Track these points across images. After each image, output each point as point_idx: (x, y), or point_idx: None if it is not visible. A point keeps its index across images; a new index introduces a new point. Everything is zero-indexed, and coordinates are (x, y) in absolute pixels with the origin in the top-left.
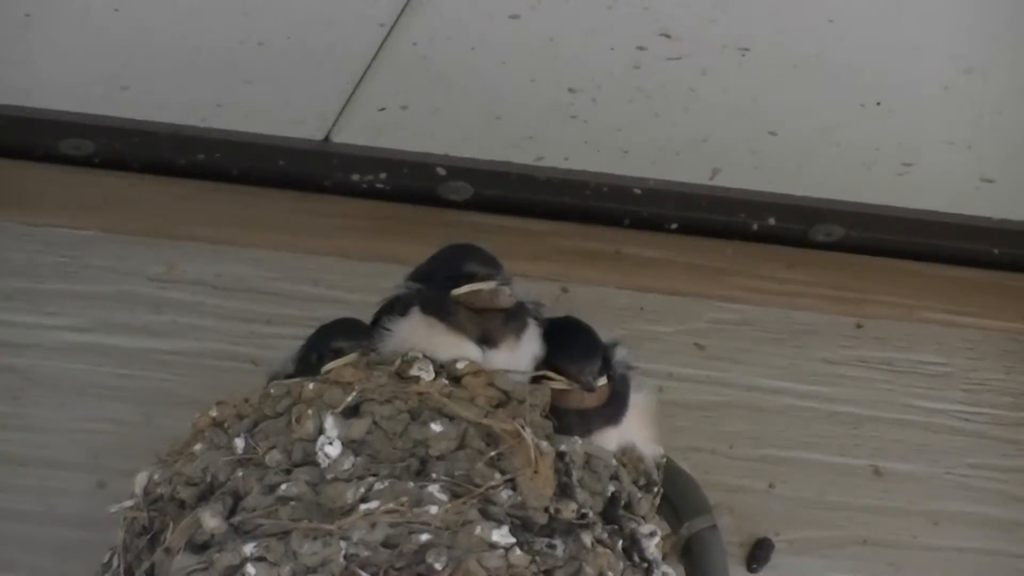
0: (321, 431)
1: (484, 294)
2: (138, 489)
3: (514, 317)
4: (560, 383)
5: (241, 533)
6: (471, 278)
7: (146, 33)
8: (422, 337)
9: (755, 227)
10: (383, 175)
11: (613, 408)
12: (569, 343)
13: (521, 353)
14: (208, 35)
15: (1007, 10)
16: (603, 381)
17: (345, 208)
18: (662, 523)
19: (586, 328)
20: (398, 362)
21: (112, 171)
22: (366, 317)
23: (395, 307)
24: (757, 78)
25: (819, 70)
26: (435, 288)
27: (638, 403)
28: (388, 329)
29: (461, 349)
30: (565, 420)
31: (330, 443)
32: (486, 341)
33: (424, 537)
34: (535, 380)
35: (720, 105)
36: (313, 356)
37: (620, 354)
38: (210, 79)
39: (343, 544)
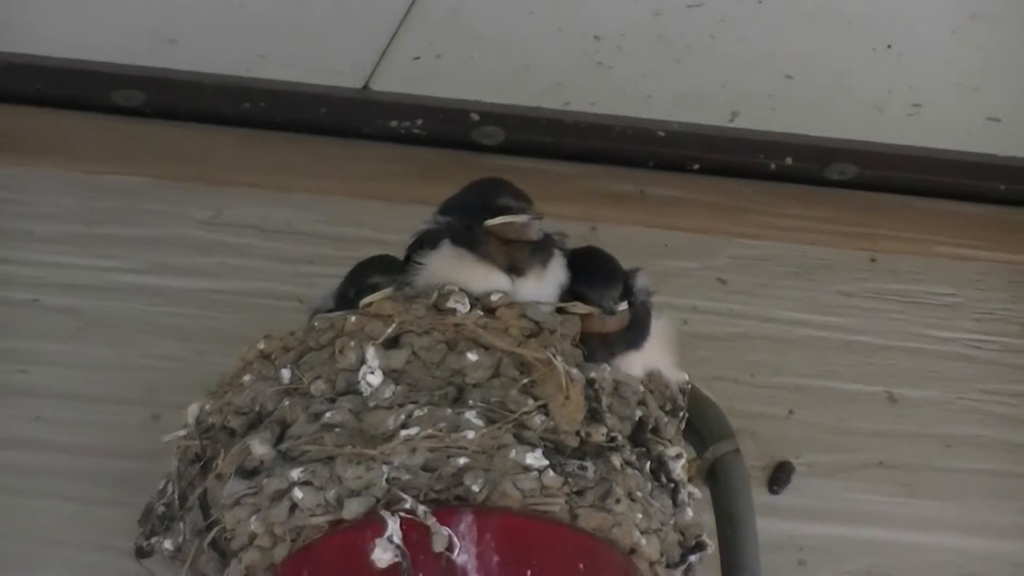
0: (363, 361)
1: (516, 226)
2: (191, 419)
3: (540, 248)
4: (583, 309)
5: (288, 459)
6: (504, 210)
7: None
8: (453, 268)
9: (772, 167)
10: (419, 121)
11: (634, 333)
12: (591, 271)
13: (547, 281)
14: None
15: None
16: (624, 307)
17: (383, 153)
18: (688, 447)
19: (607, 257)
20: (435, 295)
21: (161, 121)
22: (402, 257)
23: (425, 241)
24: (773, 25)
25: (832, 17)
26: (465, 220)
27: (659, 329)
28: (420, 263)
29: (490, 278)
30: (588, 345)
31: (371, 373)
32: (514, 270)
33: (462, 461)
34: (560, 309)
35: (738, 51)
36: (351, 292)
37: (641, 281)
38: (253, 32)
39: (385, 468)
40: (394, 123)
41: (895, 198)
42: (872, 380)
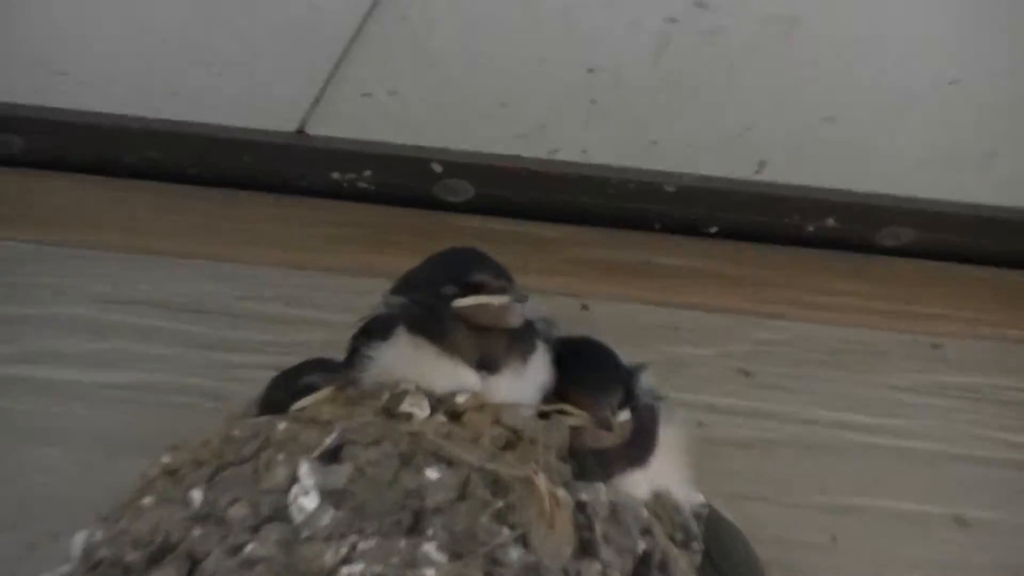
0: (294, 480)
1: (492, 309)
2: (76, 552)
3: (520, 338)
4: (573, 417)
5: None
6: (478, 289)
7: (91, 7)
8: (409, 362)
9: (810, 229)
10: (367, 173)
11: (637, 447)
12: (583, 369)
13: (527, 380)
14: (162, 11)
15: None
16: (624, 415)
17: (322, 213)
18: None
19: (604, 351)
20: (386, 396)
21: (42, 171)
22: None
23: (374, 329)
24: (808, 55)
25: (885, 42)
26: (427, 301)
27: (669, 440)
28: (368, 356)
29: (456, 375)
30: (580, 462)
31: (305, 494)
32: (486, 366)
33: None
34: (543, 415)
35: (765, 88)
36: (280, 394)
37: (645, 381)
38: (164, 61)
39: None
40: (336, 175)
41: (957, 267)
42: (937, 499)
